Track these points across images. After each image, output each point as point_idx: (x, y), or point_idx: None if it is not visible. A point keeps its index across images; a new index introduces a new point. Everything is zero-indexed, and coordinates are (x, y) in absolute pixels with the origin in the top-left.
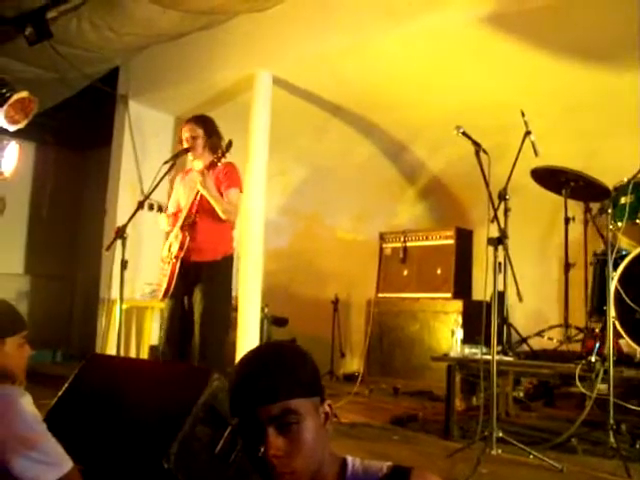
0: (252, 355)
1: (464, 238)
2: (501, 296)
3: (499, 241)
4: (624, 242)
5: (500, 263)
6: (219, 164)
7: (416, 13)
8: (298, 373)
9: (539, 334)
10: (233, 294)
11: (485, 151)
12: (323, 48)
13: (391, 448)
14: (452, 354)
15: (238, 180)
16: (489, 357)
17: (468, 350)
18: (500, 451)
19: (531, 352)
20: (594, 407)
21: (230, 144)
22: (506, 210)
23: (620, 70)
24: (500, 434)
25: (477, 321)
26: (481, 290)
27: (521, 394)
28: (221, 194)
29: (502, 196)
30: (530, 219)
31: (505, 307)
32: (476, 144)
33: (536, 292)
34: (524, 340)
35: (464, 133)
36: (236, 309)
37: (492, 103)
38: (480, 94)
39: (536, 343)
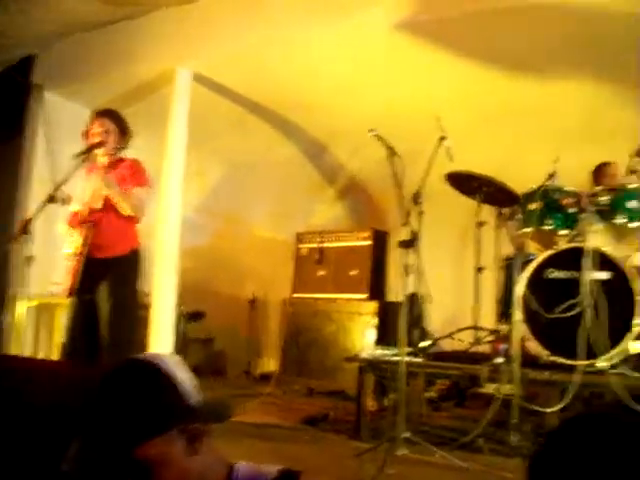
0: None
1: (380, 240)
2: (415, 298)
3: (409, 244)
4: (532, 247)
5: (410, 265)
6: (124, 161)
7: (338, 15)
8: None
9: (449, 336)
10: (147, 291)
11: (398, 154)
12: (245, 46)
13: (300, 449)
14: (363, 355)
15: (144, 177)
16: (402, 359)
17: (380, 351)
18: (407, 451)
19: (442, 353)
20: (501, 408)
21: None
22: (420, 213)
23: (541, 81)
24: (407, 435)
25: (392, 322)
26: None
27: (434, 395)
28: (126, 190)
29: (415, 199)
30: (448, 223)
31: (418, 309)
32: (389, 147)
33: (453, 295)
34: (435, 342)
35: (377, 136)
36: (149, 306)
37: (412, 108)
38: (401, 99)
39: (452, 345)
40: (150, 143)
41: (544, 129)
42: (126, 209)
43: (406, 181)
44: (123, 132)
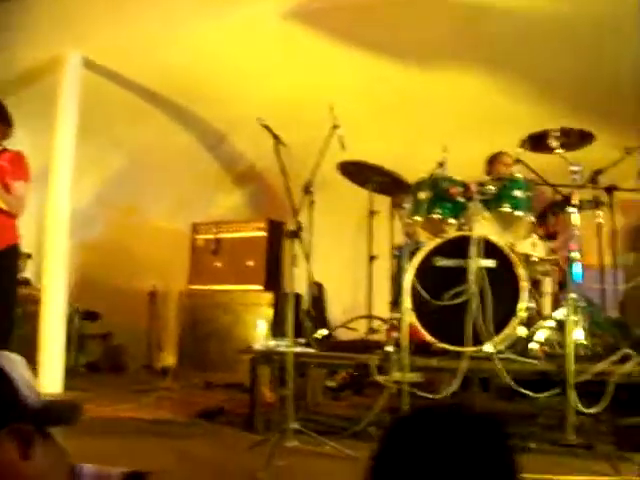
0: None
1: (276, 230)
2: (315, 288)
3: (294, 234)
4: (423, 235)
5: (297, 256)
6: (6, 152)
7: (231, 2)
8: None
9: (343, 326)
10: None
11: (284, 143)
12: (138, 32)
13: (193, 444)
14: (256, 347)
15: (25, 171)
16: (293, 349)
17: (275, 342)
18: (297, 443)
19: (339, 343)
20: (396, 396)
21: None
22: (311, 203)
23: (433, 72)
24: (296, 426)
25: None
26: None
27: (334, 384)
28: (6, 184)
29: (306, 189)
30: (344, 212)
31: (318, 299)
32: (275, 136)
33: (352, 284)
34: (330, 332)
35: (264, 125)
36: (39, 301)
37: (308, 97)
38: (297, 88)
39: (353, 334)
40: (38, 133)
41: (438, 119)
42: (2, 205)
43: (302, 170)
44: (3, 122)
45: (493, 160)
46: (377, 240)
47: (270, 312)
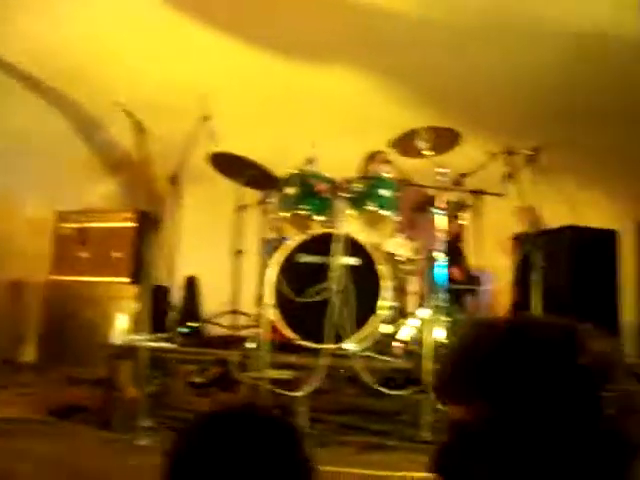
0: None
1: (147, 221)
2: (189, 282)
3: (155, 226)
4: (290, 231)
5: (159, 248)
6: None
7: None
8: None
9: (208, 321)
10: None
11: (146, 130)
12: (13, 13)
13: (43, 443)
14: (115, 341)
15: None
16: (150, 344)
17: (135, 337)
18: (149, 441)
19: (206, 339)
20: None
21: None
22: (178, 194)
23: (314, 68)
24: (149, 423)
25: (157, 307)
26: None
27: (203, 380)
28: None
29: (173, 180)
30: (223, 205)
31: (191, 293)
32: (136, 123)
33: (227, 278)
34: (194, 327)
35: (125, 111)
36: None
37: (187, 86)
38: (176, 76)
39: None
40: None
41: (314, 116)
42: None
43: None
44: None
45: (371, 158)
46: (251, 234)
47: (135, 305)
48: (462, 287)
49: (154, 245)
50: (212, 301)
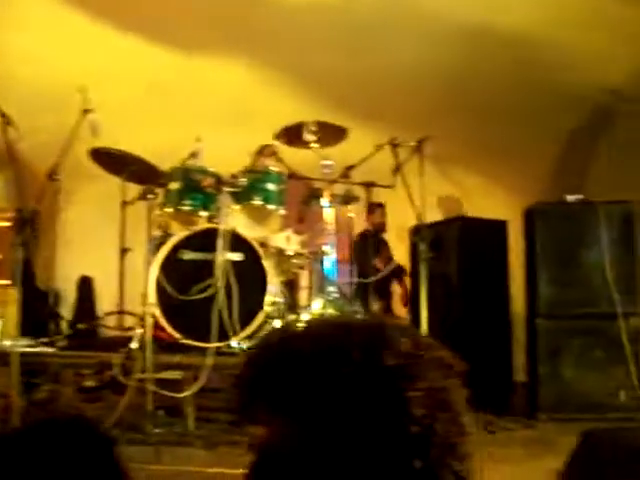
0: None
1: (27, 220)
2: (83, 283)
3: (23, 225)
4: (176, 227)
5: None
6: None
7: None
8: None
9: (90, 323)
10: None
11: (13, 124)
12: None
13: None
14: None
15: None
16: (24, 349)
17: (12, 342)
18: None
19: (93, 341)
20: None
21: None
22: (57, 191)
23: (193, 59)
24: None
25: (43, 310)
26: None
27: (93, 383)
28: None
29: (51, 176)
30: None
31: (85, 293)
32: (3, 116)
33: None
34: (76, 330)
35: None
36: None
37: (69, 80)
38: (57, 69)
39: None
40: None
41: (199, 108)
42: None
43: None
44: None
45: (260, 152)
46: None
47: (18, 309)
48: (380, 276)
49: (38, 245)
50: (107, 301)
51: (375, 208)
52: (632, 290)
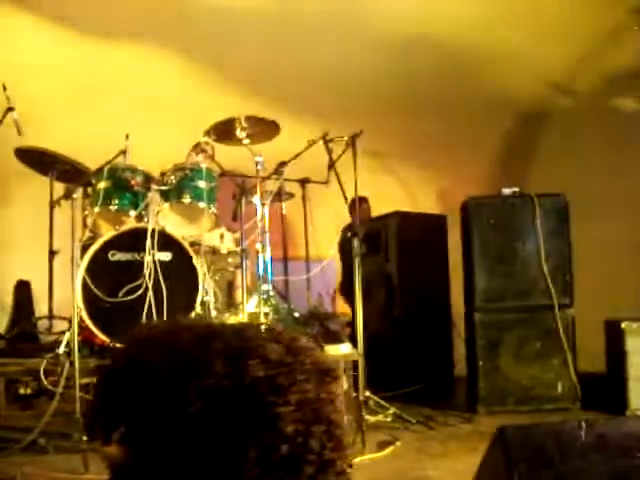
0: None
1: None
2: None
3: None
4: (105, 228)
5: None
6: None
7: None
8: None
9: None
10: None
11: None
12: None
13: None
14: None
15: None
16: None
17: None
18: None
19: (17, 348)
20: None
21: None
22: None
23: (130, 54)
24: None
25: None
26: None
27: (28, 391)
28: None
29: None
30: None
31: (23, 297)
32: None
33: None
34: (1, 336)
35: None
36: None
37: None
38: None
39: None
40: None
41: (128, 104)
42: None
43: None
44: None
45: (194, 149)
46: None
47: None
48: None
49: None
50: (44, 306)
51: (361, 203)
52: (567, 281)
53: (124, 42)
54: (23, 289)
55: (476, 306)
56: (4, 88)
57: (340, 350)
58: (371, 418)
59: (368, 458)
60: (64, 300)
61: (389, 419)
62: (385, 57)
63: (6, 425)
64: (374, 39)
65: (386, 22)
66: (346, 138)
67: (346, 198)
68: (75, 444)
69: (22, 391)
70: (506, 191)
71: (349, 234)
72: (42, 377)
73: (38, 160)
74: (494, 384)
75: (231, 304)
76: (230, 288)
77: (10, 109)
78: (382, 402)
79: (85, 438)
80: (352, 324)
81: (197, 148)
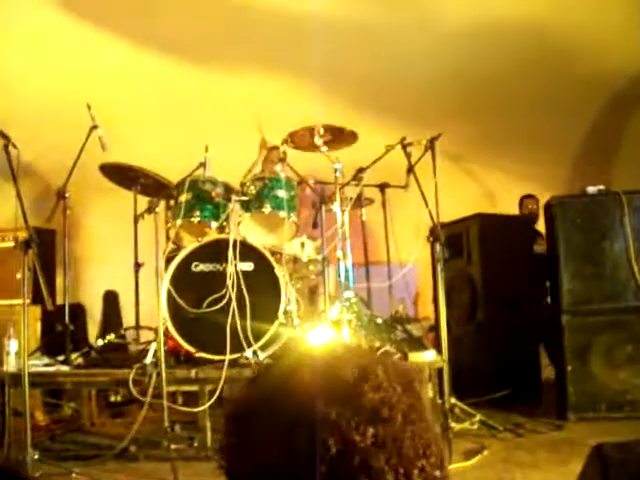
0: None
1: (48, 238)
2: (109, 297)
3: (28, 245)
4: (187, 239)
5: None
6: None
7: None
8: None
9: (103, 338)
10: None
11: (15, 145)
12: None
13: None
14: (7, 368)
15: None
16: (44, 370)
17: (30, 362)
18: (40, 473)
19: (107, 358)
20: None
21: None
22: (66, 208)
23: (206, 71)
24: (36, 456)
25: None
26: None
27: (119, 398)
28: None
29: (61, 194)
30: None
31: (111, 308)
32: (4, 137)
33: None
34: (90, 347)
35: None
36: None
37: (78, 95)
38: (71, 83)
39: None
40: None
41: (208, 118)
42: None
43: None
44: None
45: (265, 157)
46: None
47: (37, 328)
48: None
49: (55, 263)
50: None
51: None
52: None
53: (202, 59)
54: (111, 299)
55: (563, 309)
56: (89, 107)
57: (424, 357)
58: (457, 426)
59: (455, 467)
60: (149, 310)
61: (475, 427)
62: (463, 55)
63: (99, 432)
64: (452, 37)
65: (465, 17)
66: (425, 142)
67: (427, 203)
68: (164, 452)
69: (112, 398)
70: (591, 189)
71: (430, 238)
72: (131, 387)
73: (122, 175)
74: (584, 389)
75: (313, 312)
76: (312, 296)
77: (94, 127)
78: (468, 409)
79: (173, 447)
80: (435, 329)
81: (269, 156)
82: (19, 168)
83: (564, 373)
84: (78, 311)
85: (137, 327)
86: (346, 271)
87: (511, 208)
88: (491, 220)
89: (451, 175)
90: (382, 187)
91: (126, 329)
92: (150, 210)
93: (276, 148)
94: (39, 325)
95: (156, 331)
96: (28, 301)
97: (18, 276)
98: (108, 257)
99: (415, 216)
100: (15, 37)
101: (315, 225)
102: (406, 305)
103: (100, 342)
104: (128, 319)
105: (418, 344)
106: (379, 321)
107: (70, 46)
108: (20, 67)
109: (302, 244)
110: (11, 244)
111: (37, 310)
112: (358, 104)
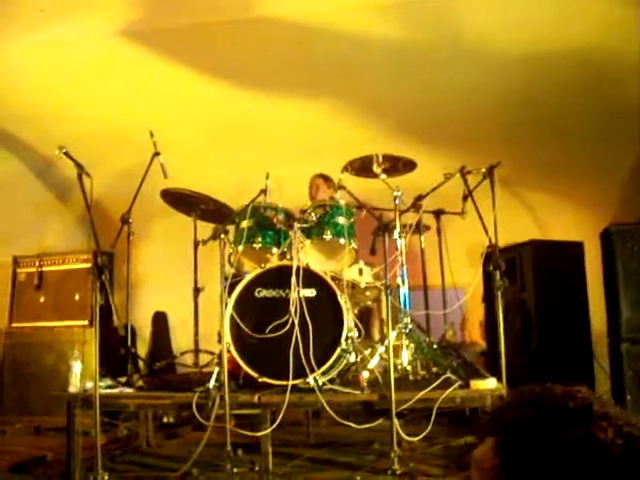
0: None
1: (102, 262)
2: (158, 319)
3: (100, 270)
4: (248, 265)
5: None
6: None
7: (49, 22)
8: None
9: (167, 362)
10: None
11: (88, 174)
12: None
13: None
14: (72, 389)
15: None
16: (105, 392)
17: (93, 384)
18: None
19: (169, 378)
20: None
21: None
22: (130, 233)
23: (261, 97)
24: (106, 477)
25: (117, 350)
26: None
27: (172, 420)
28: None
29: (124, 219)
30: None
31: (161, 330)
32: (78, 166)
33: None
34: (152, 370)
35: (66, 154)
36: None
37: (139, 122)
38: (127, 112)
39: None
40: None
41: (269, 145)
42: None
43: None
44: None
45: (309, 185)
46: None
47: (96, 350)
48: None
49: (113, 286)
50: (180, 339)
51: None
52: None
53: (262, 86)
54: (160, 320)
55: (622, 337)
56: (151, 135)
57: (486, 385)
58: None
59: None
60: (204, 334)
61: None
62: (514, 83)
63: (155, 453)
64: (503, 66)
65: (516, 47)
66: (484, 170)
67: (486, 230)
68: (226, 475)
69: (166, 420)
70: None
71: (491, 267)
72: (195, 411)
73: (182, 201)
74: None
75: (368, 338)
76: (367, 321)
77: (156, 154)
78: None
79: (236, 470)
80: (486, 354)
81: (329, 183)
82: (92, 197)
83: (623, 402)
84: (131, 334)
85: (196, 351)
86: (404, 297)
87: (562, 233)
88: (544, 246)
89: (502, 200)
90: (437, 213)
91: (183, 353)
92: (215, 237)
93: (319, 176)
94: (97, 347)
95: (220, 355)
96: (86, 322)
97: (76, 298)
98: (159, 280)
99: (468, 242)
100: (82, 66)
101: (373, 251)
102: (455, 330)
103: (157, 365)
104: (177, 341)
105: (474, 370)
106: (435, 347)
107: (133, 74)
108: (85, 95)
109: (360, 270)
110: (72, 267)
111: (94, 332)
112: (411, 130)
